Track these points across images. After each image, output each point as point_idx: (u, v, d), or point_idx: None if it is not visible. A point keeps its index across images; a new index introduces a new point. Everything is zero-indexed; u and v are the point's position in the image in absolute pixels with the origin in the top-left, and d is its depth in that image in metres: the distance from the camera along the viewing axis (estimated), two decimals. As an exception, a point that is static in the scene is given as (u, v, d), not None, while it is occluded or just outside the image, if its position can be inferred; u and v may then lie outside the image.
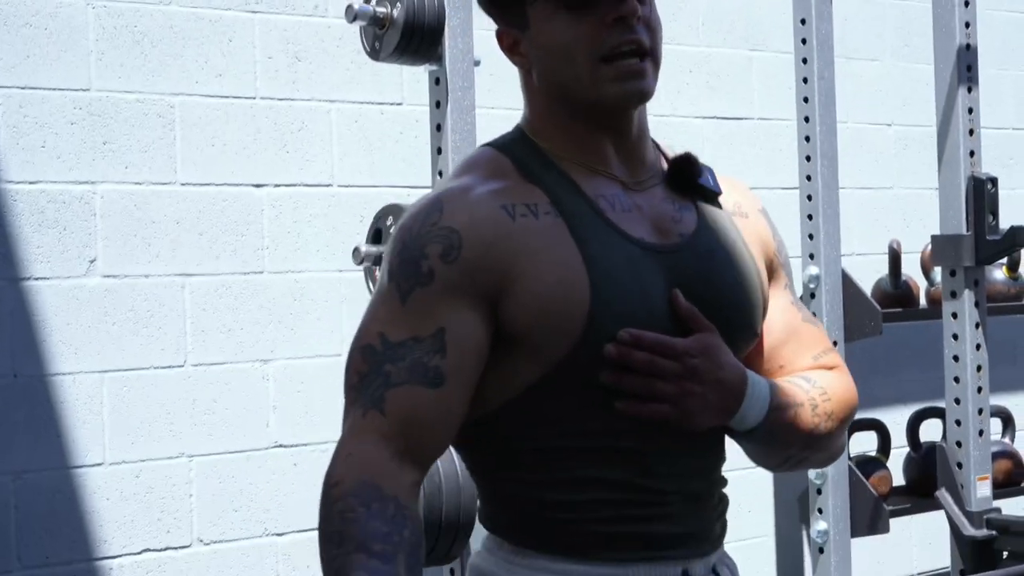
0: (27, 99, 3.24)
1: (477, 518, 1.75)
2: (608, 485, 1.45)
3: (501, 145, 1.54)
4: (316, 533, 1.37)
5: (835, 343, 3.72)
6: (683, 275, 1.48)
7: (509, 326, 1.42)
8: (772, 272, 1.63)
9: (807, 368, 1.66)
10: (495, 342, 1.43)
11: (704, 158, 1.60)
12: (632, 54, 1.44)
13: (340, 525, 1.33)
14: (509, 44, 1.52)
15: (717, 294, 1.51)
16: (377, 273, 3.19)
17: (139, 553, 3.43)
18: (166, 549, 3.49)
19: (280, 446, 3.66)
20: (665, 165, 1.59)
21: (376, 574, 1.30)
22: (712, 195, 1.58)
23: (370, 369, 1.40)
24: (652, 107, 2.67)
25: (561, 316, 1.40)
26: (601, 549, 1.45)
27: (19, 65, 3.25)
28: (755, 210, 1.67)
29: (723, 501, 1.60)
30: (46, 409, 3.25)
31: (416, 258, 1.41)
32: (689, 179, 1.56)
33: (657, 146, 1.61)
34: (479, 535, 2.42)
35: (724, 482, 1.60)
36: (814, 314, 3.67)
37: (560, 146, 1.51)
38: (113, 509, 3.41)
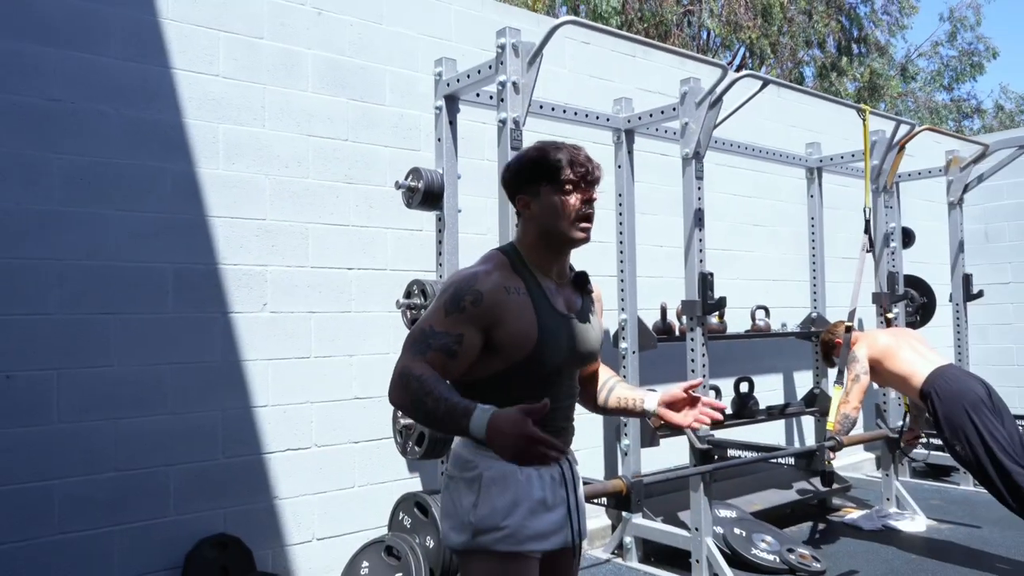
0: (234, 224, 3.27)
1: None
2: None
3: (504, 251, 1.64)
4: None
5: (634, 351, 3.84)
6: (575, 330, 1.62)
7: (494, 342, 1.53)
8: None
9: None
10: (485, 346, 1.54)
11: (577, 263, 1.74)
12: (589, 219, 1.59)
13: (423, 384, 1.42)
14: (524, 204, 1.61)
15: (587, 341, 1.66)
16: (407, 314, 3.28)
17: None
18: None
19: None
20: (571, 274, 1.71)
21: (449, 391, 1.44)
22: (589, 292, 1.72)
23: (422, 339, 1.50)
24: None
25: (522, 344, 1.53)
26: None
27: (232, 204, 3.25)
28: (600, 298, 1.79)
29: (573, 428, 1.71)
30: (239, 378, 3.27)
31: (459, 299, 1.51)
32: (582, 285, 1.70)
33: (570, 265, 1.72)
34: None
35: (573, 424, 1.71)
36: (623, 339, 3.85)
37: (532, 258, 1.61)
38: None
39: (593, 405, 1.84)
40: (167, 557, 3.05)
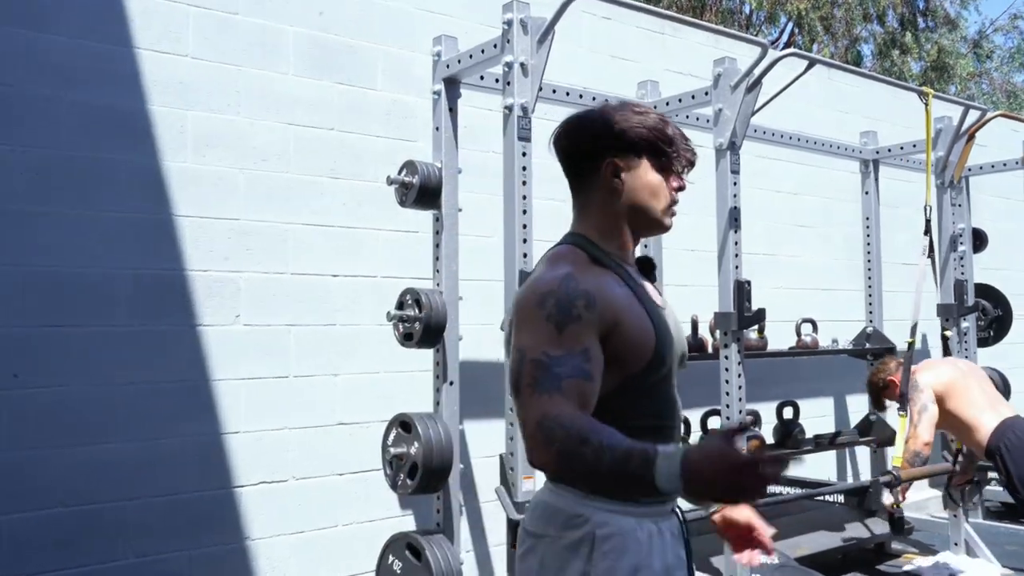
0: (204, 225, 3.17)
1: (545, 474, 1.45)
2: None
3: (575, 243, 1.49)
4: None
5: (661, 372, 3.81)
6: (674, 323, 1.52)
7: (608, 352, 1.38)
8: None
9: None
10: None
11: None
12: (674, 205, 1.52)
13: (572, 431, 1.25)
14: (613, 170, 1.47)
15: (683, 338, 1.56)
16: (399, 328, 3.14)
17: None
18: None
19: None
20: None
21: (611, 435, 1.25)
22: (654, 279, 1.60)
23: (543, 371, 1.32)
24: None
25: (643, 344, 1.41)
26: (633, 497, 1.38)
27: (201, 202, 3.17)
28: None
29: None
30: (208, 400, 3.14)
31: (569, 307, 1.35)
32: (649, 273, 1.57)
33: None
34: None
35: None
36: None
37: (610, 244, 1.49)
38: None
39: None
40: (120, 606, 2.94)
